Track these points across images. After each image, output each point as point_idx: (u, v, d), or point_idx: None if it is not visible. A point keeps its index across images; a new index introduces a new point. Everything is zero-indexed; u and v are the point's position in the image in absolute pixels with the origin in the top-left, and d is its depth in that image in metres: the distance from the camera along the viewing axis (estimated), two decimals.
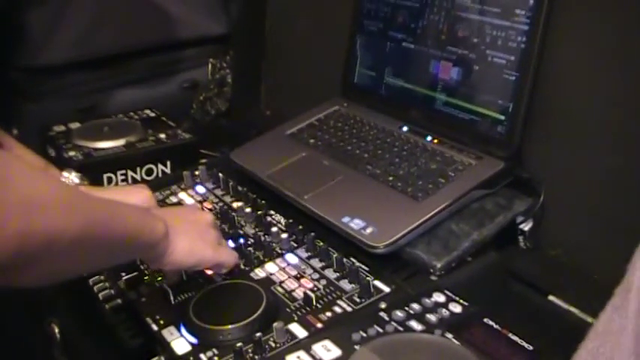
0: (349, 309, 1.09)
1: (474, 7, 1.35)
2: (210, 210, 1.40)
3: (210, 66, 2.08)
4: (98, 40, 1.90)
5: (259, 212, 1.36)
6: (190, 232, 1.08)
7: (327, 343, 0.98)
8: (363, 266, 1.18)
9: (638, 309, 0.59)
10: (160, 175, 1.64)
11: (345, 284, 1.14)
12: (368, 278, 1.13)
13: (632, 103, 1.17)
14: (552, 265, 1.26)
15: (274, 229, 1.29)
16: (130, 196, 1.16)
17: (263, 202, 1.39)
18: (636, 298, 0.60)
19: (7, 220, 0.68)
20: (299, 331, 1.04)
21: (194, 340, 1.05)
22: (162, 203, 1.44)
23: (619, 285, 0.64)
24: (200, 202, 1.44)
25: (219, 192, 1.47)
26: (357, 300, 1.11)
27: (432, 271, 1.18)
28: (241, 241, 1.28)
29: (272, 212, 1.37)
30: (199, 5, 2.05)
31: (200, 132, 1.80)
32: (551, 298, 1.14)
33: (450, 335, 0.97)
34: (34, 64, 1.84)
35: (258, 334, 1.01)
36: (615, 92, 1.20)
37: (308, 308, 1.10)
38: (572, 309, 1.11)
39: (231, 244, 1.27)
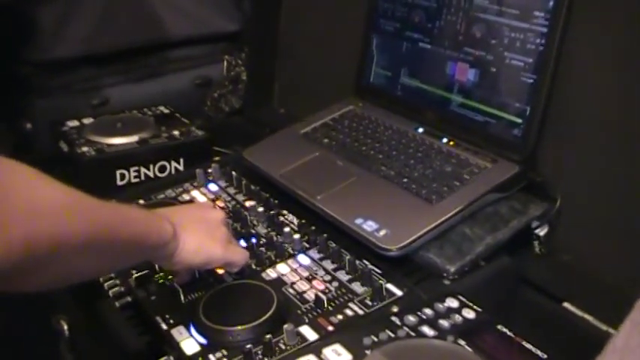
0: (361, 312, 1.08)
1: (492, 8, 1.33)
2: (222, 208, 1.39)
3: (225, 63, 2.08)
4: (110, 35, 1.89)
5: (272, 212, 1.35)
6: (199, 230, 1.08)
7: (338, 347, 0.96)
8: (375, 269, 1.17)
9: None
10: (172, 172, 1.64)
11: (357, 287, 1.13)
12: (380, 281, 1.12)
13: None
14: (567, 272, 1.25)
15: (286, 229, 1.28)
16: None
17: (276, 201, 1.38)
18: None
19: (12, 226, 0.68)
20: (309, 334, 1.03)
21: (203, 341, 1.04)
22: (175, 201, 1.43)
23: (639, 299, 0.63)
24: (212, 200, 1.44)
25: (231, 190, 1.47)
26: (369, 303, 1.09)
27: (445, 275, 1.16)
28: (253, 240, 1.27)
29: (284, 212, 1.36)
30: (212, 2, 2.04)
31: (213, 129, 1.79)
32: (565, 305, 1.13)
33: (462, 342, 0.95)
34: (45, 59, 1.84)
35: (268, 336, 1.01)
36: (633, 97, 1.18)
37: (319, 310, 1.09)
38: (587, 316, 1.10)
39: (242, 243, 1.26)
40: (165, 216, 1.03)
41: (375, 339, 0.97)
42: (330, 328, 1.04)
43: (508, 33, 1.30)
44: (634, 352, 0.60)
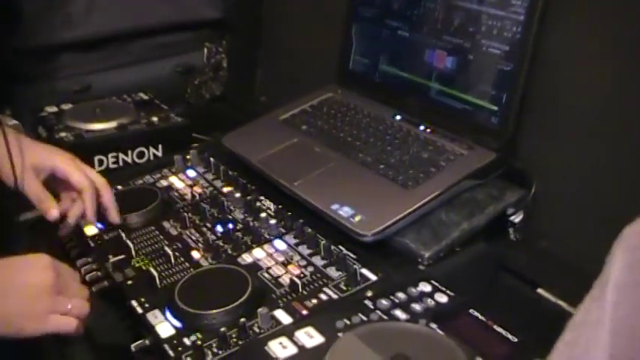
0: (335, 296, 1.08)
1: None
2: (199, 194, 1.39)
3: (205, 50, 2.07)
4: (92, 22, 1.88)
5: (249, 197, 1.35)
6: (11, 298, 0.96)
7: (311, 329, 0.97)
8: (350, 254, 1.17)
9: (614, 301, 0.59)
10: (151, 158, 1.63)
11: (333, 272, 1.14)
12: (355, 266, 1.13)
13: (626, 97, 1.16)
14: (542, 258, 1.26)
15: (263, 214, 1.28)
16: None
17: (253, 187, 1.39)
18: (613, 291, 0.59)
19: None
20: (284, 318, 1.04)
21: (179, 324, 1.05)
22: (153, 187, 1.44)
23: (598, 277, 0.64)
24: (190, 185, 1.44)
25: (209, 176, 1.47)
26: (344, 288, 1.10)
27: (420, 260, 1.17)
28: (230, 226, 1.28)
29: (262, 198, 1.36)
30: None
31: (194, 116, 1.79)
32: (540, 290, 1.14)
33: (434, 325, 0.96)
34: (27, 46, 1.83)
35: (242, 320, 1.01)
36: (610, 85, 1.19)
37: (294, 295, 1.09)
38: (561, 302, 1.11)
39: (219, 228, 1.27)
40: None
41: (348, 322, 0.98)
42: (305, 312, 1.05)
43: (486, 21, 1.31)
44: (591, 326, 0.60)
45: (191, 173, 1.49)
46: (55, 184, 1.26)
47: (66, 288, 1.01)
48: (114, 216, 1.29)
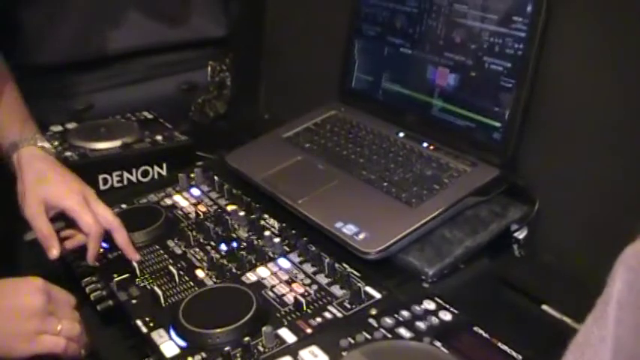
0: (339, 315, 1.08)
1: (472, 13, 1.35)
2: (204, 213, 1.40)
3: (209, 68, 2.08)
4: (96, 41, 1.89)
5: (253, 216, 1.35)
6: (0, 320, 0.98)
7: (315, 348, 0.97)
8: (354, 272, 1.17)
9: (616, 320, 0.59)
10: (155, 176, 1.63)
11: (337, 290, 1.14)
12: (359, 284, 1.13)
13: (628, 112, 1.17)
14: (546, 274, 1.26)
15: (267, 233, 1.28)
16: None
17: (257, 205, 1.39)
18: (615, 310, 0.59)
19: None
20: (288, 336, 1.04)
21: (183, 344, 1.04)
22: (157, 205, 1.44)
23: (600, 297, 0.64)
24: (195, 204, 1.44)
25: (214, 195, 1.47)
26: (348, 306, 1.10)
27: (424, 277, 1.17)
28: (234, 244, 1.28)
29: (266, 216, 1.36)
30: (199, 7, 2.04)
31: (198, 134, 1.79)
32: (544, 307, 1.14)
33: (438, 343, 0.96)
34: (30, 64, 1.83)
35: (246, 339, 1.01)
36: (611, 101, 1.19)
37: (298, 313, 1.09)
38: (565, 319, 1.11)
39: (224, 247, 1.27)
40: None
41: (352, 341, 0.98)
42: (309, 330, 1.05)
43: (487, 38, 1.31)
44: (593, 346, 0.60)
45: (195, 192, 1.49)
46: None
47: (57, 310, 1.02)
48: (132, 256, 1.26)
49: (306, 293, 1.13)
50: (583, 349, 0.62)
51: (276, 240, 1.26)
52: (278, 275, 1.19)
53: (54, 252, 1.22)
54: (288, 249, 1.26)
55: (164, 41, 2.02)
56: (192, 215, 1.40)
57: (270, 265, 1.22)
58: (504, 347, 0.96)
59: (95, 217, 1.24)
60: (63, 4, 1.82)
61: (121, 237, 1.26)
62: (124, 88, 1.99)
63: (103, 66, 1.95)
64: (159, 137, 1.69)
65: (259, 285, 1.17)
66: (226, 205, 1.42)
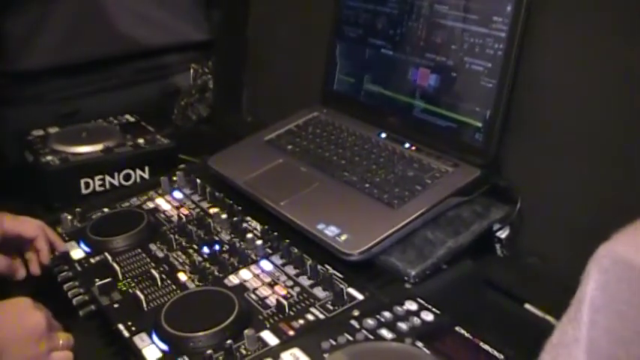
0: (322, 317, 1.08)
1: (453, 14, 1.35)
2: (186, 216, 1.39)
3: (192, 71, 2.08)
4: (79, 46, 1.89)
5: (235, 218, 1.35)
6: (9, 343, 0.96)
7: (296, 351, 0.97)
8: (337, 274, 1.17)
9: (589, 321, 0.59)
10: (138, 180, 1.63)
11: (319, 292, 1.14)
12: (342, 286, 1.13)
13: (609, 113, 1.17)
14: (529, 274, 1.26)
15: (249, 235, 1.28)
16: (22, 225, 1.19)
17: (239, 208, 1.39)
18: (588, 311, 0.59)
19: None
20: (270, 339, 1.03)
21: (165, 347, 1.04)
22: (140, 209, 1.43)
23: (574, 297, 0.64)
24: (177, 207, 1.44)
25: (196, 198, 1.47)
26: (330, 307, 1.10)
27: (406, 279, 1.17)
28: (216, 247, 1.27)
29: (248, 218, 1.36)
30: (181, 11, 2.04)
31: (181, 137, 1.79)
32: (527, 306, 1.14)
33: (420, 344, 0.96)
34: (14, 70, 1.83)
35: (229, 342, 1.01)
36: (593, 101, 1.19)
37: (281, 316, 1.09)
38: (548, 317, 1.11)
39: (206, 250, 1.27)
40: None
41: (334, 342, 0.98)
42: (291, 332, 1.05)
43: (468, 38, 1.32)
44: (567, 347, 0.60)
45: (177, 195, 1.49)
46: None
47: (52, 323, 1.03)
48: (62, 245, 1.29)
49: (288, 295, 1.13)
50: (558, 350, 0.63)
51: (259, 242, 1.26)
52: (260, 278, 1.19)
53: (22, 272, 1.23)
54: (270, 251, 1.25)
55: (146, 46, 2.01)
56: (175, 218, 1.40)
57: (253, 267, 1.22)
58: (486, 347, 0.96)
59: (28, 223, 1.25)
60: (47, 10, 1.82)
61: (50, 232, 1.28)
62: (108, 92, 1.99)
63: (87, 71, 1.94)
64: (141, 141, 1.68)
65: (242, 288, 1.16)
66: (208, 208, 1.42)
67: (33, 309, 1.01)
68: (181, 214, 1.40)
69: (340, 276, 1.17)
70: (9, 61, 1.82)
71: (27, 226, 1.24)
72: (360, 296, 1.12)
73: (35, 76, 1.87)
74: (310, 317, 1.08)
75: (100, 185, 1.59)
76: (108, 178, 1.59)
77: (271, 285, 1.16)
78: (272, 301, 1.12)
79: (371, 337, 0.99)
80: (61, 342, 1.03)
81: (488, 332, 1.00)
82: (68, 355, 1.03)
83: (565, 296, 1.16)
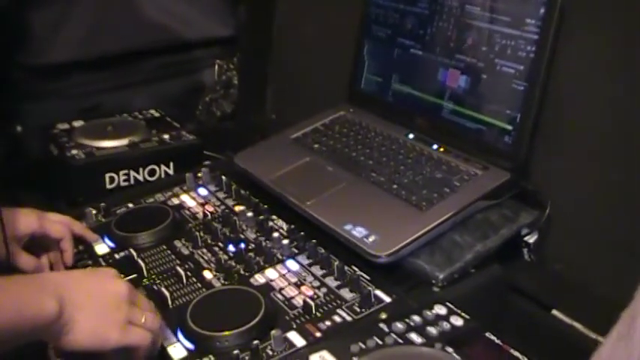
0: (349, 318, 1.07)
1: (484, 15, 1.33)
2: (211, 213, 1.39)
3: (216, 67, 2.07)
4: (103, 40, 1.89)
5: (261, 217, 1.34)
6: (95, 308, 0.94)
7: (325, 353, 0.96)
8: (364, 275, 1.16)
9: None
10: (162, 176, 1.63)
11: (346, 293, 1.13)
12: (369, 288, 1.12)
13: None
14: (556, 280, 1.25)
15: (276, 234, 1.27)
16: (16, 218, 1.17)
17: (265, 206, 1.38)
18: None
19: None
20: (297, 340, 1.03)
21: (191, 346, 1.04)
22: (164, 205, 1.43)
23: (625, 309, 0.62)
24: (202, 204, 1.43)
25: (221, 195, 1.46)
26: (357, 310, 1.09)
27: (434, 282, 1.16)
28: (242, 245, 1.27)
29: (274, 217, 1.35)
30: (207, 7, 2.04)
31: (205, 134, 1.79)
32: (554, 312, 1.13)
33: (450, 349, 0.95)
34: (38, 63, 1.83)
35: (255, 342, 1.00)
36: (625, 105, 1.18)
37: (307, 316, 1.08)
38: (576, 324, 1.10)
39: (231, 248, 1.26)
40: (52, 289, 0.90)
41: (363, 346, 0.97)
42: (318, 334, 1.04)
43: (499, 40, 1.30)
44: None
45: (202, 192, 1.48)
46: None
47: (137, 301, 1.01)
48: (93, 237, 1.31)
49: (315, 296, 1.12)
50: None
51: (285, 242, 1.25)
52: (286, 277, 1.18)
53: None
54: (296, 251, 1.24)
55: (171, 41, 2.01)
56: (200, 215, 1.39)
57: (279, 267, 1.21)
58: (516, 354, 0.95)
59: (54, 222, 1.25)
60: (71, 4, 1.82)
61: (78, 226, 1.29)
62: (132, 87, 1.99)
63: (111, 65, 1.94)
64: (166, 136, 1.68)
65: (268, 287, 1.16)
66: (234, 205, 1.41)
67: (117, 277, 1.02)
68: (206, 211, 1.40)
69: (367, 277, 1.16)
70: (32, 54, 1.82)
71: (55, 226, 1.24)
72: (387, 299, 1.11)
73: (58, 70, 1.87)
74: (337, 319, 1.07)
75: (124, 180, 1.59)
76: (133, 173, 1.59)
77: (297, 285, 1.16)
78: (298, 301, 1.11)
79: (400, 340, 0.98)
80: (143, 320, 0.99)
81: (515, 338, 0.99)
82: (145, 335, 0.98)
83: (593, 302, 1.16)
